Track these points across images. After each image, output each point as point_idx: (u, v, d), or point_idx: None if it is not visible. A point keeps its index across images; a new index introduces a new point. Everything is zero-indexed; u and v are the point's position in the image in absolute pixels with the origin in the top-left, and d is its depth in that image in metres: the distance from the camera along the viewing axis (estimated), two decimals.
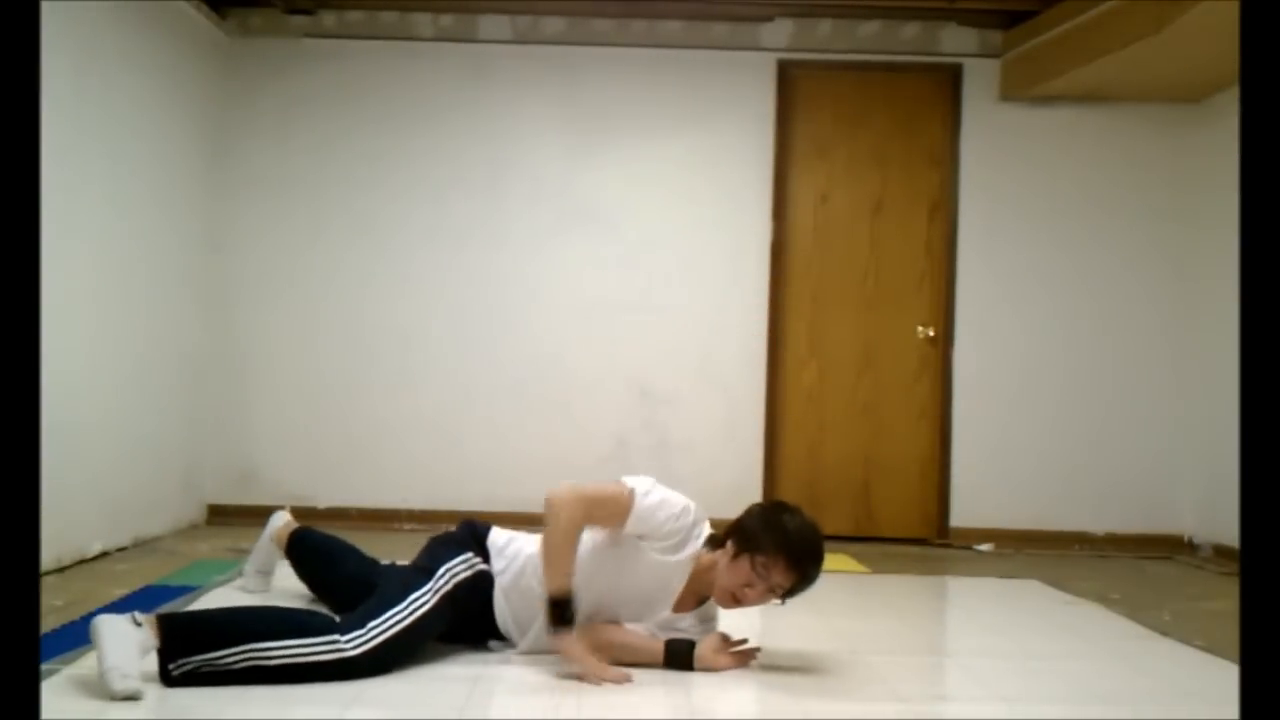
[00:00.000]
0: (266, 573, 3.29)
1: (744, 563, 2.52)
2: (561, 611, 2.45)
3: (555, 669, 2.55)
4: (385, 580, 2.63)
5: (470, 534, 2.73)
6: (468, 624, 2.64)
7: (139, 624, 2.30)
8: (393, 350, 5.11)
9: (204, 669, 2.30)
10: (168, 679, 2.28)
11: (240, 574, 3.35)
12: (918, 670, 2.79)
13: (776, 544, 2.52)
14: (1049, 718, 2.37)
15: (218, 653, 2.31)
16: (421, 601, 2.50)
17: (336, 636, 2.38)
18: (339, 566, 2.98)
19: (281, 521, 3.23)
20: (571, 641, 2.47)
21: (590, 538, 2.57)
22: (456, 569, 2.59)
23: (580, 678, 2.46)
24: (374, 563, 2.97)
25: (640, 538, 2.56)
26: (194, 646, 2.31)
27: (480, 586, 2.63)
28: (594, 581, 2.56)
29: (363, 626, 2.42)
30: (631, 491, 2.52)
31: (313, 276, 5.12)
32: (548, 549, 2.48)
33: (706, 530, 2.65)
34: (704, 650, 2.60)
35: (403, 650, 2.46)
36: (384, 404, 5.10)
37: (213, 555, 4.11)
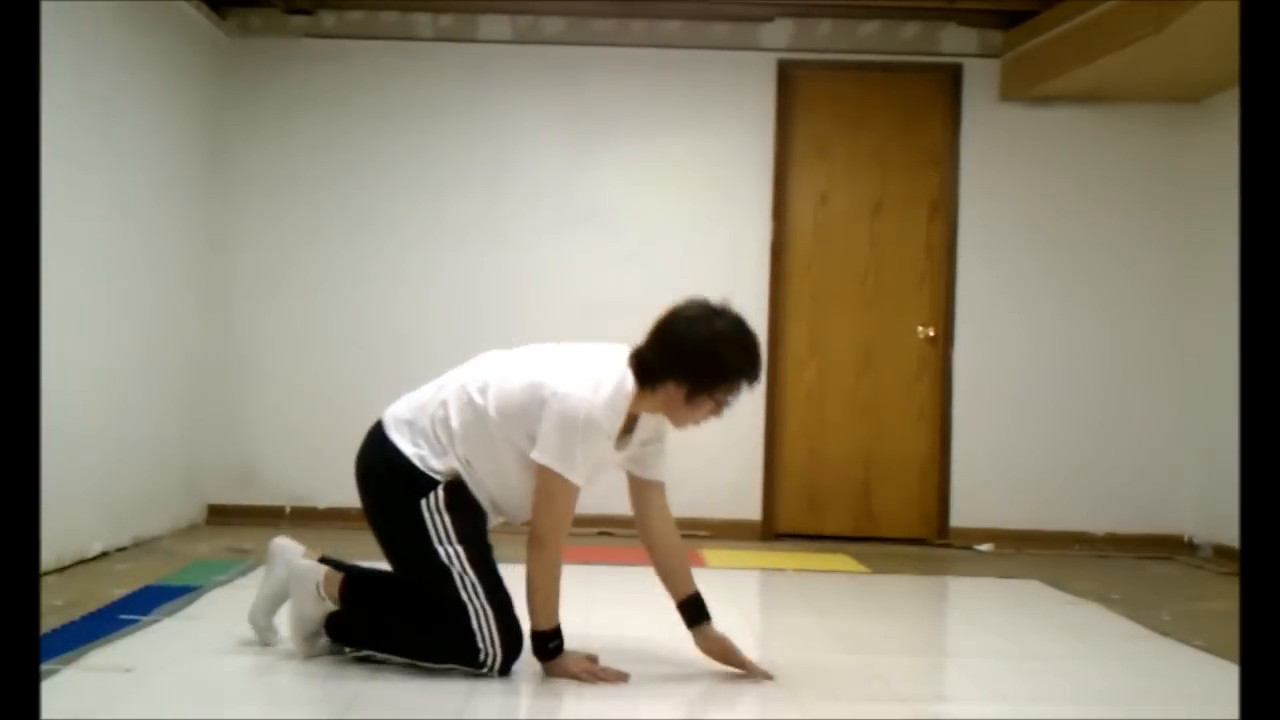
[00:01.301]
0: (319, 634, 2.60)
1: (703, 400, 2.48)
2: (546, 645, 2.46)
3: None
4: (422, 593, 2.50)
5: (391, 469, 2.59)
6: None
7: (322, 598, 2.51)
8: (393, 350, 5.10)
9: (374, 657, 2.51)
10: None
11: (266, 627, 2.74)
12: (918, 670, 2.79)
13: (732, 370, 2.46)
14: (1049, 718, 2.37)
15: (380, 652, 2.51)
16: (460, 562, 2.44)
17: (481, 668, 2.44)
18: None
19: (319, 575, 2.59)
20: (562, 664, 2.47)
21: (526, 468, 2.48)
22: (431, 507, 2.48)
23: (578, 678, 2.46)
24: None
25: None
26: (358, 641, 2.52)
27: (455, 489, 2.52)
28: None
29: (476, 649, 2.43)
30: (565, 481, 2.41)
31: (313, 276, 5.12)
32: (538, 593, 2.43)
33: (622, 395, 2.46)
34: (710, 643, 2.59)
35: (506, 599, 2.46)
36: (384, 403, 5.03)
37: (213, 555, 4.10)
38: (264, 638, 2.67)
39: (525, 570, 2.43)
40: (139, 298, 4.34)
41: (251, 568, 3.79)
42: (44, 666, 2.38)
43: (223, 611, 3.10)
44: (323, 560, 2.65)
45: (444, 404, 2.55)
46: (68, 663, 2.45)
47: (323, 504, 5.04)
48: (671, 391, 2.47)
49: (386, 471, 2.58)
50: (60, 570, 3.64)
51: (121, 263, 4.17)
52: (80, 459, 3.79)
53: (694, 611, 2.62)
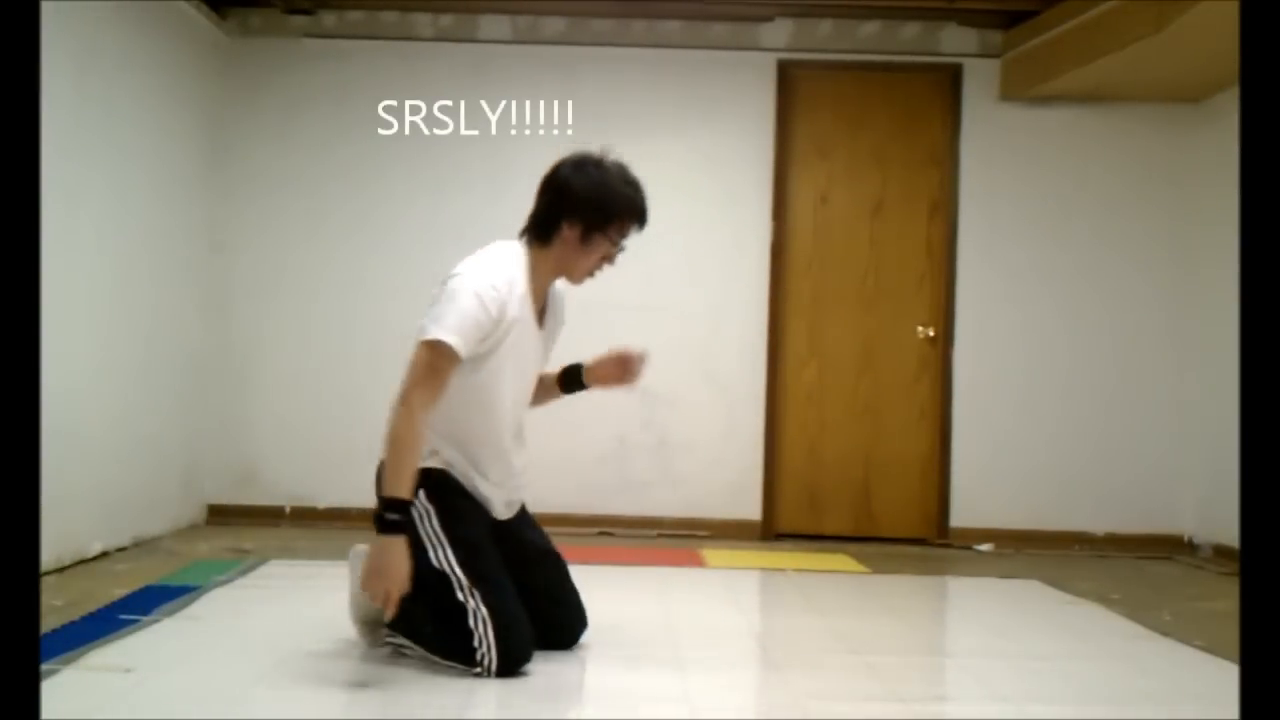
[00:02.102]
0: (378, 622, 2.63)
1: (598, 239, 2.54)
2: (383, 515, 2.31)
3: (556, 669, 2.55)
4: (432, 594, 2.47)
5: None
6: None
7: None
8: (392, 349, 5.06)
9: (403, 649, 2.55)
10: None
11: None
12: (918, 670, 2.79)
13: (623, 206, 2.53)
14: (1049, 718, 2.37)
15: (407, 642, 2.52)
16: (454, 570, 2.43)
17: (476, 668, 2.43)
18: None
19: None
20: (387, 553, 2.30)
21: (458, 397, 2.45)
22: (420, 514, 2.47)
23: (373, 583, 2.31)
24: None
25: (486, 347, 2.45)
26: (399, 628, 2.51)
27: (435, 478, 2.50)
28: (498, 405, 2.53)
29: (472, 655, 2.42)
30: (439, 344, 2.36)
31: (313, 275, 5.12)
32: (391, 462, 2.32)
33: (515, 261, 2.52)
34: (594, 368, 2.67)
35: (504, 598, 2.44)
36: (384, 403, 5.04)
37: (213, 555, 4.11)
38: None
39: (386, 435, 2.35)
40: (139, 297, 4.34)
41: (252, 567, 3.80)
42: (44, 666, 2.38)
43: (223, 611, 3.10)
44: None
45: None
46: (68, 663, 2.45)
47: (323, 504, 5.04)
48: (566, 237, 2.53)
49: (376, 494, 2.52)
50: (60, 570, 3.64)
51: (121, 262, 4.18)
52: (80, 459, 3.79)
53: (569, 375, 2.81)
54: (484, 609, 2.43)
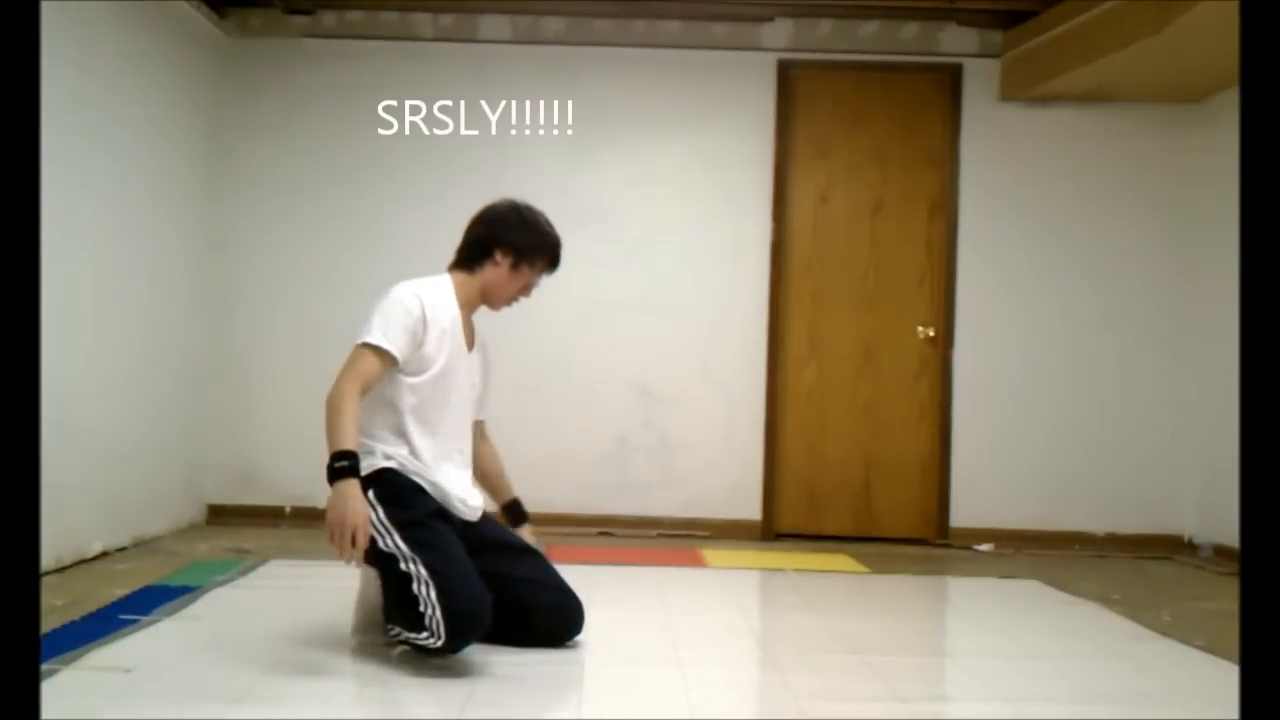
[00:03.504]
0: (378, 622, 2.75)
1: (524, 270, 2.82)
2: (332, 464, 2.44)
3: (556, 669, 2.55)
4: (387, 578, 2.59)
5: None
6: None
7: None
8: None
9: (402, 641, 2.57)
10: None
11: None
12: (918, 670, 2.79)
13: (545, 244, 2.83)
14: (1049, 718, 2.38)
15: (394, 631, 2.57)
16: (398, 546, 2.51)
17: (426, 635, 2.47)
18: None
19: None
20: (342, 498, 2.41)
21: (407, 402, 2.66)
22: (367, 494, 2.54)
23: (333, 533, 2.42)
24: None
25: (420, 357, 2.66)
26: (390, 619, 2.58)
27: (385, 475, 2.62)
28: (443, 420, 2.70)
29: (420, 619, 2.46)
30: (368, 346, 2.61)
31: (313, 275, 5.12)
32: (328, 424, 2.50)
33: (443, 283, 2.80)
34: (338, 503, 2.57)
35: (446, 561, 2.50)
36: None
37: (213, 555, 4.11)
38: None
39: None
40: (139, 297, 4.34)
41: (252, 567, 3.80)
42: (44, 666, 2.38)
43: (223, 611, 3.10)
44: None
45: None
46: (68, 663, 2.45)
47: (323, 504, 5.01)
48: (498, 262, 2.79)
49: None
50: (60, 570, 3.64)
51: (121, 263, 4.18)
52: (80, 459, 3.79)
53: (514, 514, 2.96)
54: (424, 571, 2.48)
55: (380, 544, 2.53)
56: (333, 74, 5.12)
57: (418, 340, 2.65)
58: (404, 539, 2.53)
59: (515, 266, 2.81)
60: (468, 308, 2.83)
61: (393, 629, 2.60)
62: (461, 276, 2.82)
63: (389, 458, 2.63)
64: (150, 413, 4.46)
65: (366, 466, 2.58)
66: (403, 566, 2.50)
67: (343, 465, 2.44)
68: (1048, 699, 2.51)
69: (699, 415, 5.11)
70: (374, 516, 2.53)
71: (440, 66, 5.13)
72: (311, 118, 5.12)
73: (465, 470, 2.80)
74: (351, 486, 2.42)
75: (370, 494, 2.55)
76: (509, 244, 2.79)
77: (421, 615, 2.45)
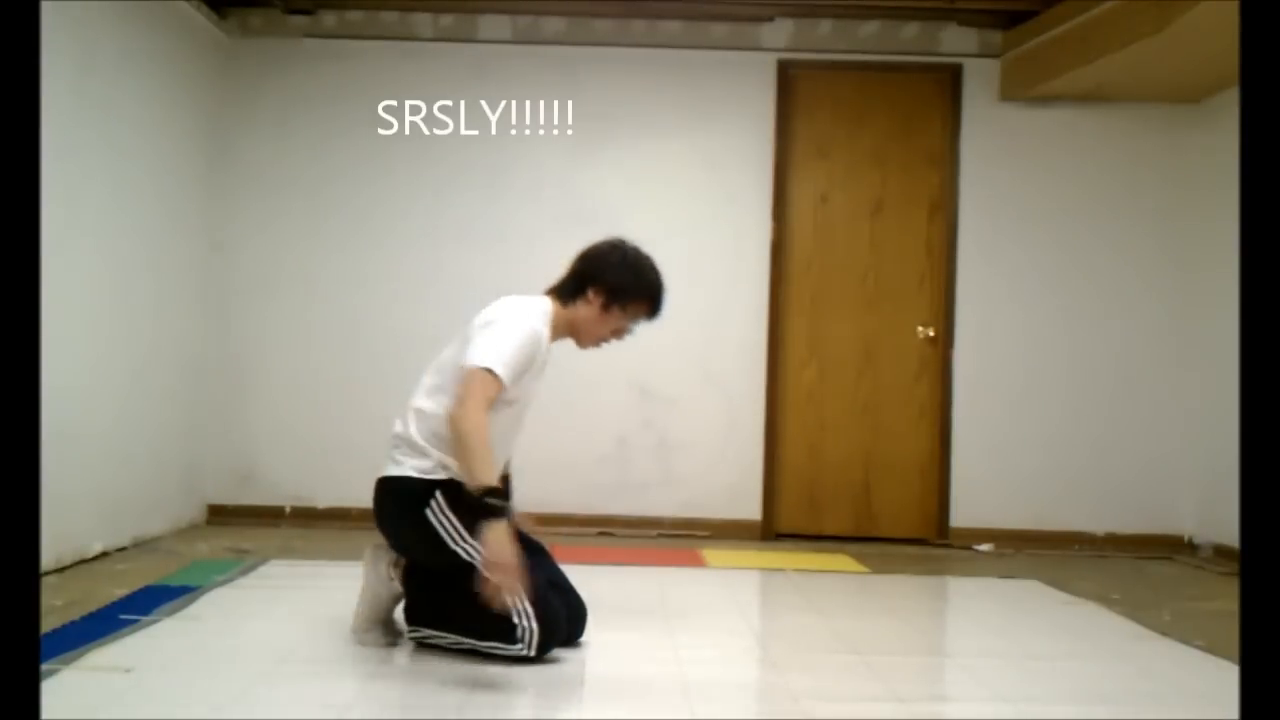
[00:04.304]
0: (387, 621, 2.77)
1: (616, 313, 2.75)
2: (484, 501, 2.39)
3: (556, 668, 2.55)
4: (454, 586, 2.55)
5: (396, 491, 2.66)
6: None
7: (391, 579, 2.66)
8: (392, 349, 5.10)
9: (429, 640, 2.63)
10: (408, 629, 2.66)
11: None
12: (918, 670, 2.79)
13: (646, 289, 2.77)
14: (1049, 718, 2.37)
15: (438, 632, 2.61)
16: (478, 556, 2.47)
17: (520, 648, 2.52)
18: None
19: (392, 556, 2.75)
20: (499, 540, 2.37)
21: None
22: (436, 512, 2.55)
23: (494, 572, 2.37)
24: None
25: (514, 388, 2.61)
26: (422, 619, 2.63)
27: (450, 487, 2.59)
28: (502, 444, 2.65)
29: (514, 630, 2.50)
30: (492, 373, 2.50)
31: (313, 275, 5.12)
32: (472, 458, 2.42)
33: (545, 311, 2.72)
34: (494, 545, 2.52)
35: (537, 585, 2.51)
36: (383, 403, 5.03)
37: (213, 555, 4.11)
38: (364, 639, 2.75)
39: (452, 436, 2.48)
40: (138, 297, 4.33)
41: (252, 567, 3.80)
42: (44, 666, 2.38)
43: (223, 611, 3.10)
44: None
45: (409, 409, 2.69)
46: (68, 663, 2.45)
47: (322, 504, 5.05)
48: (591, 299, 2.74)
49: (387, 497, 2.67)
50: (60, 570, 3.64)
51: (121, 263, 4.17)
52: (80, 459, 3.79)
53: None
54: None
55: (460, 552, 2.54)
56: (333, 74, 5.12)
57: (524, 374, 2.62)
58: (459, 522, 2.55)
59: (607, 307, 2.74)
60: (553, 337, 2.77)
61: (422, 632, 2.62)
62: (556, 306, 2.76)
63: (446, 468, 2.60)
64: (150, 412, 4.46)
65: (422, 469, 2.60)
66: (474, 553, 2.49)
67: (496, 504, 2.40)
68: (1048, 699, 2.51)
69: (699, 415, 5.11)
70: (448, 526, 2.55)
71: (440, 66, 5.13)
72: (311, 117, 5.12)
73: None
74: (505, 530, 2.39)
75: (440, 501, 2.57)
76: (603, 283, 2.73)
77: (515, 627, 2.50)
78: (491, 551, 2.36)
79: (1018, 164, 5.17)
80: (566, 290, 2.76)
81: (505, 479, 3.01)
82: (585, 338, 2.79)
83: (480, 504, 2.38)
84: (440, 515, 2.57)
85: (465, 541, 2.54)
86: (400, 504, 2.63)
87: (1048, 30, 4.79)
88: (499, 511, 2.39)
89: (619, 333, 2.79)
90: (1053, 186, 5.17)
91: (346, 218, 5.13)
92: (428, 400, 2.65)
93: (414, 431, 2.64)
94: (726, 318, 5.16)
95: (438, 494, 2.57)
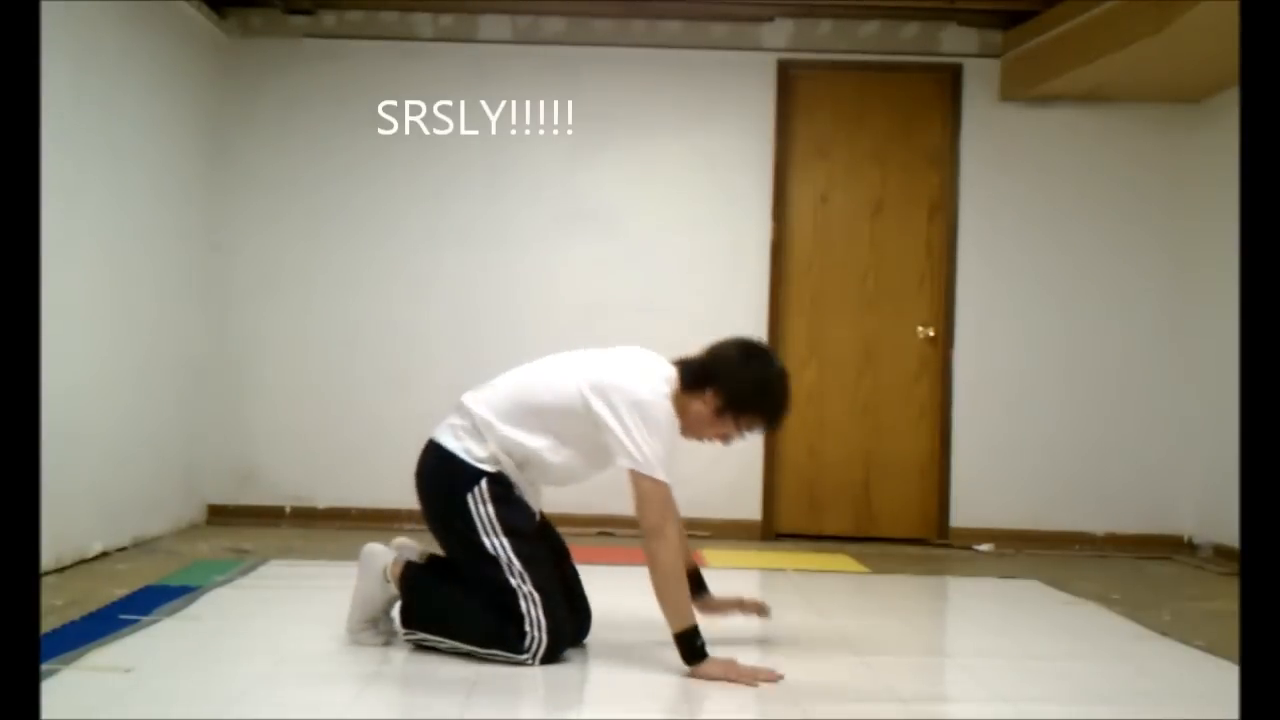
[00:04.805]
0: (378, 621, 2.74)
1: (729, 419, 2.63)
2: (694, 643, 2.48)
3: (556, 668, 2.55)
4: (474, 581, 2.60)
5: (441, 466, 2.67)
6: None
7: (387, 581, 2.65)
8: (392, 350, 5.11)
9: (425, 644, 2.62)
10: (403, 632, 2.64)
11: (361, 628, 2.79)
12: (918, 670, 2.79)
13: (767, 409, 2.65)
14: (1049, 718, 2.37)
15: (435, 637, 2.61)
16: (506, 552, 2.54)
17: (525, 657, 2.53)
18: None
19: (388, 559, 2.72)
20: (712, 667, 2.49)
21: (549, 472, 2.67)
22: (477, 499, 2.58)
23: (732, 681, 2.48)
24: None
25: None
26: (418, 623, 2.62)
27: (495, 477, 2.62)
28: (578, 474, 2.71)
29: (522, 639, 2.52)
30: (664, 483, 2.52)
31: (312, 275, 5.12)
32: (666, 589, 2.49)
33: (672, 385, 2.63)
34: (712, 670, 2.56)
35: (552, 582, 2.58)
36: (383, 403, 5.10)
37: (213, 555, 4.11)
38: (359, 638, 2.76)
39: (648, 570, 2.49)
40: (138, 297, 4.33)
41: (252, 567, 3.80)
42: (44, 666, 2.38)
43: (223, 611, 3.10)
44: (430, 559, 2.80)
45: (485, 401, 2.67)
46: (68, 663, 2.45)
47: (322, 504, 5.04)
48: (708, 399, 2.62)
49: (435, 468, 2.68)
50: (60, 570, 3.64)
51: (121, 262, 4.17)
52: (80, 459, 3.79)
53: (695, 583, 2.77)
54: (536, 594, 2.53)
55: (485, 542, 2.56)
56: (333, 74, 5.12)
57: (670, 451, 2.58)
58: (515, 552, 2.56)
59: (720, 413, 2.62)
60: None
61: (418, 634, 2.63)
62: (678, 387, 2.63)
63: (498, 461, 2.61)
64: (150, 412, 4.46)
65: (476, 457, 2.60)
66: (511, 581, 2.54)
67: (701, 645, 2.49)
68: (1048, 699, 2.51)
69: None
70: (481, 511, 2.57)
71: (440, 66, 5.13)
72: (311, 117, 5.12)
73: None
74: (715, 662, 2.49)
75: (483, 487, 2.58)
76: (724, 389, 2.61)
77: (525, 634, 2.52)
78: (718, 676, 2.47)
79: (1018, 164, 5.17)
80: (689, 377, 2.65)
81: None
82: (690, 431, 2.68)
83: (690, 648, 2.48)
84: (480, 505, 2.58)
85: (497, 535, 2.56)
86: (443, 482, 2.64)
87: (1048, 30, 4.79)
88: (702, 652, 2.48)
89: (726, 438, 2.69)
90: (1053, 186, 5.17)
91: (346, 217, 5.13)
92: (509, 426, 2.60)
93: (481, 421, 2.62)
94: (726, 318, 5.14)
95: (483, 483, 2.59)
